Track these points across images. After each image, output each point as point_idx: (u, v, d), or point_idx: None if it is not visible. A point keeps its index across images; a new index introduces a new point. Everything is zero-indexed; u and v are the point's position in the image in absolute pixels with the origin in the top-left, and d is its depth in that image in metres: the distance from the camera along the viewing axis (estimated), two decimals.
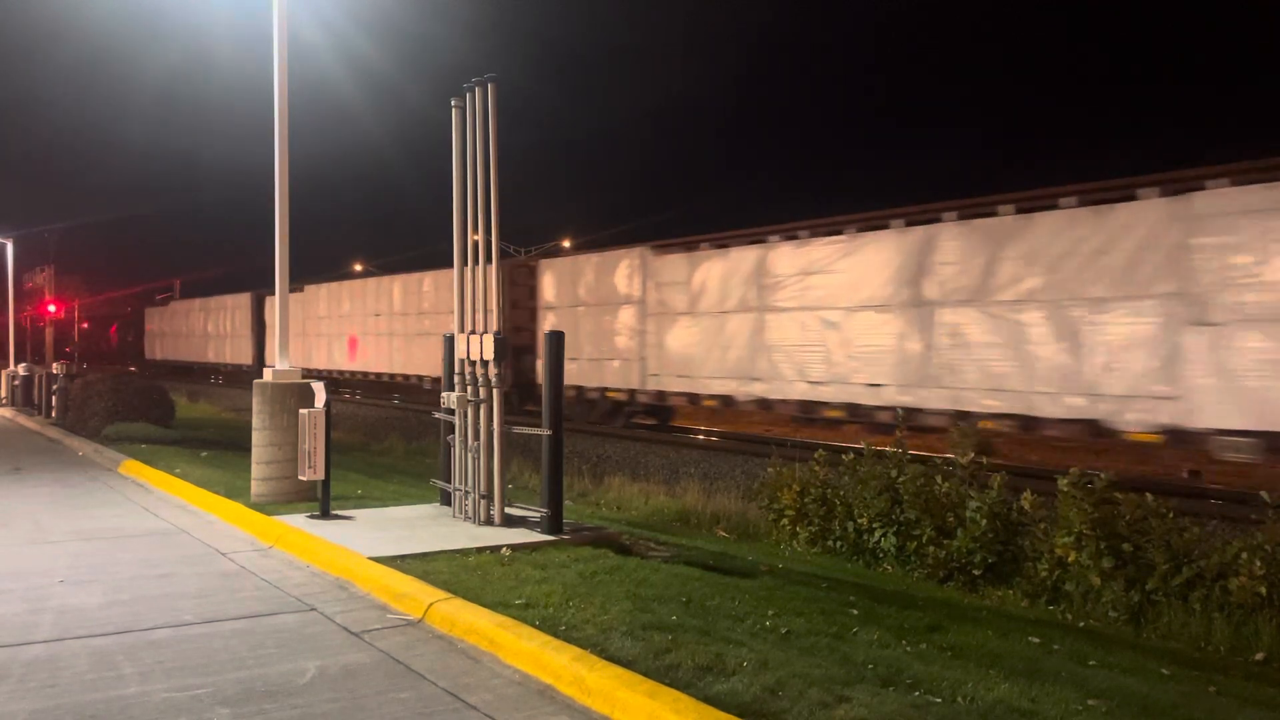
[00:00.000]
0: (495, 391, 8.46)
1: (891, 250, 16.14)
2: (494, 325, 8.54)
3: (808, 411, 17.84)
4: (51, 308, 48.04)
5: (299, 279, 37.33)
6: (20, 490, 11.43)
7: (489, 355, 8.44)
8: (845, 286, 16.86)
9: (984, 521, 8.57)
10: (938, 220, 15.67)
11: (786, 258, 17.98)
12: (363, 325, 32.85)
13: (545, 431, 8.16)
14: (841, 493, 9.96)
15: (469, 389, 8.69)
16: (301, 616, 6.17)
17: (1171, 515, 7.72)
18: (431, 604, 6.08)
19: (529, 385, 24.12)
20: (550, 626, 5.47)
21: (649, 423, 23.07)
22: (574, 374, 22.25)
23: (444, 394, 8.89)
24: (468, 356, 8.68)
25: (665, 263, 20.73)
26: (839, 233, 17.25)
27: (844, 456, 10.18)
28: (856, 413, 16.71)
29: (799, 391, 17.64)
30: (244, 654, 5.39)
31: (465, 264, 8.89)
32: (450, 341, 9.11)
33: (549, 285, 24.47)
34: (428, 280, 29.17)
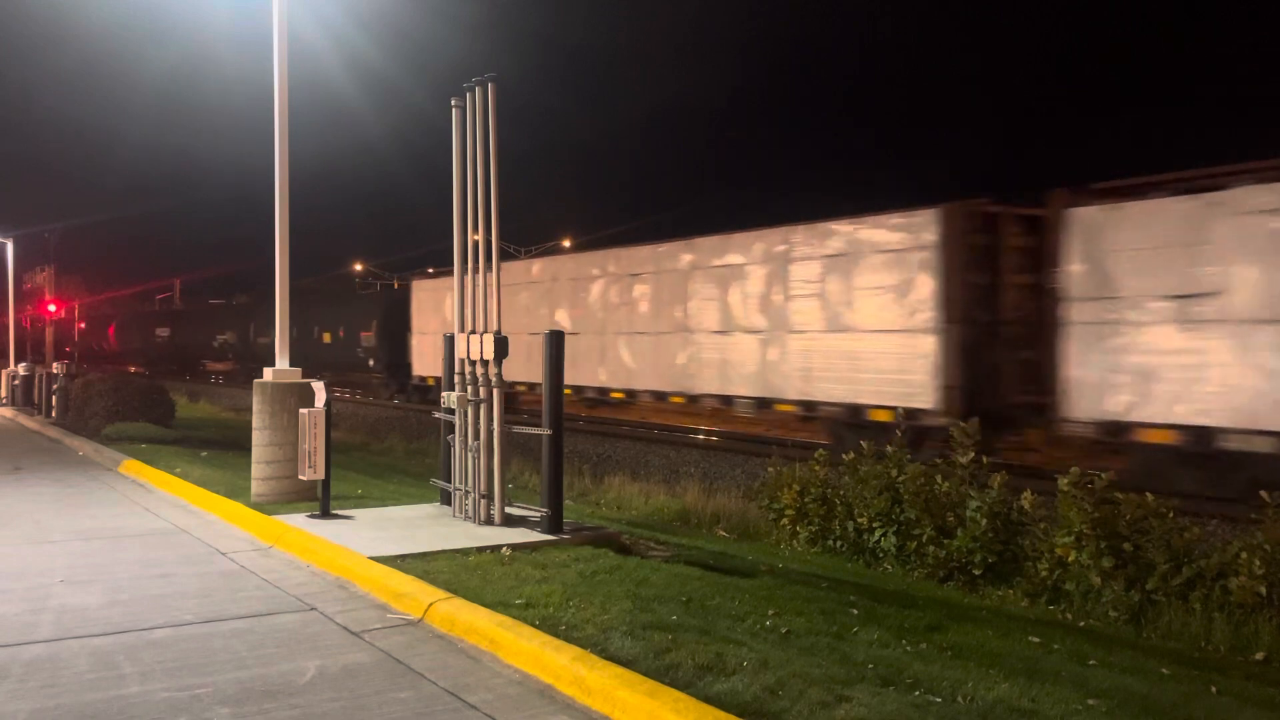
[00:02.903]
0: (495, 391, 8.46)
1: None
2: (494, 324, 8.54)
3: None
4: (51, 307, 48.03)
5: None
6: (20, 490, 11.42)
7: (489, 355, 8.43)
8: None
9: (984, 521, 8.56)
10: None
11: None
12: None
13: (545, 431, 8.16)
14: (841, 492, 9.95)
15: (469, 389, 8.69)
16: (302, 616, 6.17)
17: (1171, 515, 7.71)
18: (431, 604, 6.08)
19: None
20: (550, 626, 5.48)
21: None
22: None
23: (444, 394, 8.90)
24: (468, 356, 8.68)
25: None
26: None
27: (844, 456, 10.18)
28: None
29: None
30: (244, 654, 5.39)
31: (465, 264, 8.89)
32: (450, 341, 9.12)
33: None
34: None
